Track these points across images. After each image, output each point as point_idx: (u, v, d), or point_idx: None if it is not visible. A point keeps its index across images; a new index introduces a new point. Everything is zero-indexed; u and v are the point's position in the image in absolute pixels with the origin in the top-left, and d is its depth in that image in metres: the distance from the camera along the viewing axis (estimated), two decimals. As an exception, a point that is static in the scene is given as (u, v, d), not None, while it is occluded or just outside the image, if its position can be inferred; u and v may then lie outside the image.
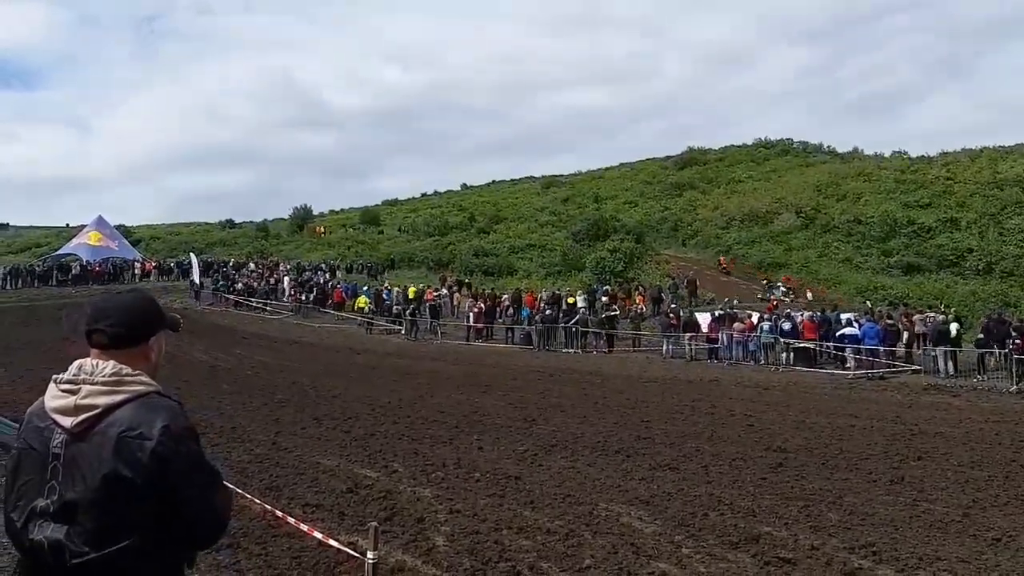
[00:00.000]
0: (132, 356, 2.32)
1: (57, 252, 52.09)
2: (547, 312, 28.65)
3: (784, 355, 23.27)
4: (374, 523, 5.75)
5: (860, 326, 22.95)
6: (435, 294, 35.26)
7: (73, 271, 46.60)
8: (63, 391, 2.25)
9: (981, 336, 21.31)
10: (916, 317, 24.31)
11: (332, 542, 5.96)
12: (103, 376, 2.24)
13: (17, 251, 69.70)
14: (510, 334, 29.39)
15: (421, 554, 6.64)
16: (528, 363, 23.18)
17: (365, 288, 38.98)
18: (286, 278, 42.14)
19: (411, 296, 34.65)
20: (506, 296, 32.42)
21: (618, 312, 29.93)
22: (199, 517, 2.27)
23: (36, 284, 44.28)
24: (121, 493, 2.14)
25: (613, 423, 13.28)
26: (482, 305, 30.82)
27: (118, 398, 2.22)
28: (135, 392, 2.24)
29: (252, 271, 46.99)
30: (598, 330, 27.36)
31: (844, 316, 25.30)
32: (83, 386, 2.23)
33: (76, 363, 2.31)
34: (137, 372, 2.29)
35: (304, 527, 6.35)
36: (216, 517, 2.33)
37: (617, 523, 7.55)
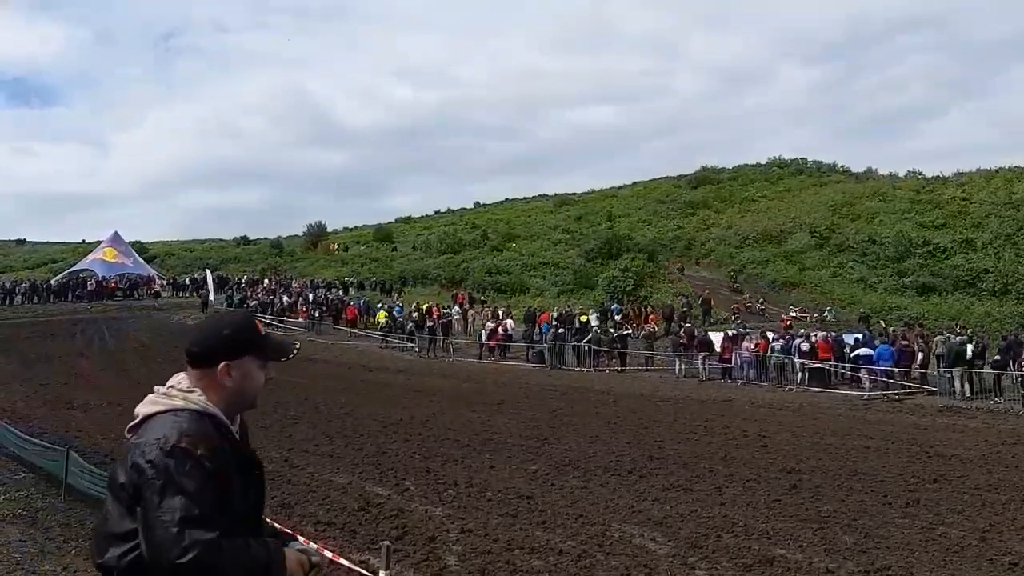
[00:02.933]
0: (205, 376, 2.34)
1: (73, 268, 52.55)
2: (559, 330, 28.62)
3: (798, 375, 23.14)
4: (386, 542, 5.75)
5: (866, 343, 22.82)
6: (443, 311, 35.29)
7: (88, 287, 46.94)
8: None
9: (998, 357, 21.12)
10: (938, 339, 24.09)
11: (344, 561, 5.96)
12: (162, 388, 2.35)
13: (33, 266, 70.18)
14: (523, 352, 29.36)
15: (433, 574, 6.63)
16: (540, 382, 23.13)
17: (379, 305, 39.12)
18: (299, 296, 42.28)
19: (421, 314, 34.70)
20: (509, 320, 32.20)
21: (630, 331, 29.86)
22: (145, 534, 2.07)
23: (52, 300, 44.57)
24: (122, 501, 2.17)
25: (625, 443, 13.23)
26: (507, 323, 30.93)
27: (155, 409, 2.28)
28: (170, 406, 2.27)
29: (265, 288, 47.20)
30: (610, 349, 27.28)
31: (851, 337, 25.13)
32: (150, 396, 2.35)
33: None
34: (191, 388, 2.31)
35: (315, 545, 6.34)
36: (163, 544, 2.03)
37: (630, 544, 7.51)
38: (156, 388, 2.37)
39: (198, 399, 2.29)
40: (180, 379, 2.37)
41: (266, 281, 49.52)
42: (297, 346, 2.56)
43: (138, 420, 2.30)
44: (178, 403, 2.27)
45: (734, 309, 37.65)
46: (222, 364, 2.32)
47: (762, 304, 40.77)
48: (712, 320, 34.57)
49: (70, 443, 10.70)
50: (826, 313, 35.35)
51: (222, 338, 2.37)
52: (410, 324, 33.04)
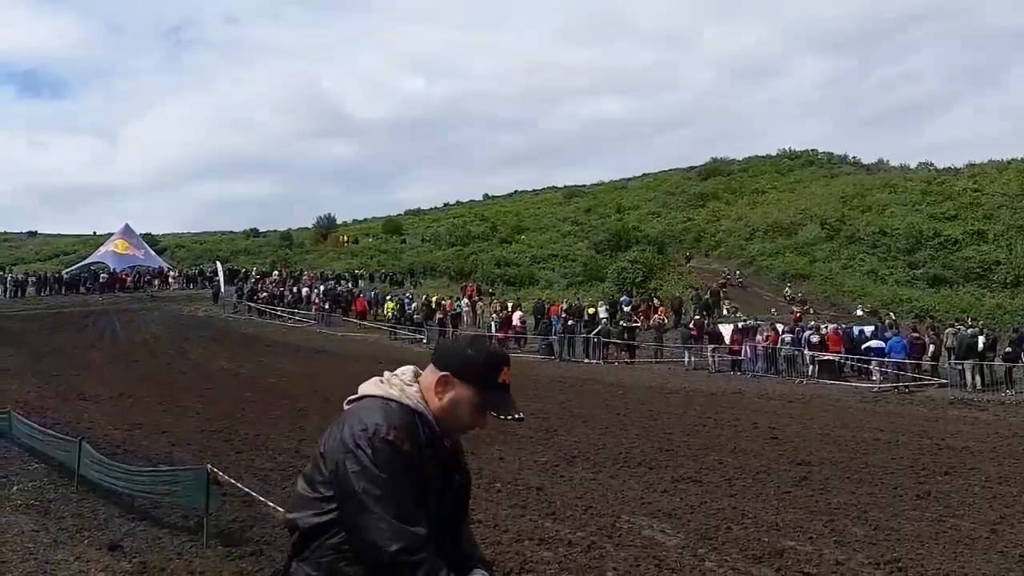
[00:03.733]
0: (432, 377, 2.33)
1: (85, 261, 52.81)
2: (568, 322, 28.62)
3: (809, 368, 23.09)
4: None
5: (882, 337, 22.72)
6: (454, 304, 35.35)
7: (100, 279, 47.18)
8: None
9: (1009, 350, 21.02)
10: (949, 331, 24.00)
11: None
12: (388, 373, 2.41)
13: (45, 258, 70.58)
14: (531, 343, 29.38)
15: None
16: (549, 373, 23.14)
17: (387, 296, 39.24)
18: (308, 288, 42.37)
19: (432, 306, 34.78)
20: (518, 313, 32.16)
21: (639, 323, 29.82)
22: (356, 521, 2.16)
23: (64, 292, 44.81)
24: (320, 471, 2.26)
25: (635, 435, 13.22)
26: (516, 316, 30.96)
27: (373, 392, 2.34)
28: (387, 394, 2.31)
29: (275, 280, 47.36)
30: (620, 341, 27.27)
31: (866, 329, 25.03)
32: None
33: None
34: (411, 383, 2.36)
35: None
36: (380, 536, 2.11)
37: (639, 536, 7.52)
38: (397, 371, 2.41)
39: (413, 395, 2.31)
40: (407, 370, 2.41)
41: (275, 273, 49.64)
42: (521, 415, 2.36)
43: (356, 396, 2.37)
44: (395, 393, 2.30)
45: (720, 285, 40.09)
46: (443, 374, 2.31)
47: (740, 277, 44.01)
48: (720, 312, 34.44)
49: (82, 434, 10.74)
50: (858, 311, 35.14)
51: (462, 354, 2.34)
52: (417, 316, 33.13)
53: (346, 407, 2.36)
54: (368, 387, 2.36)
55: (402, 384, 2.33)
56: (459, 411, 2.31)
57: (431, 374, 2.33)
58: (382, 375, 2.40)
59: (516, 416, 2.33)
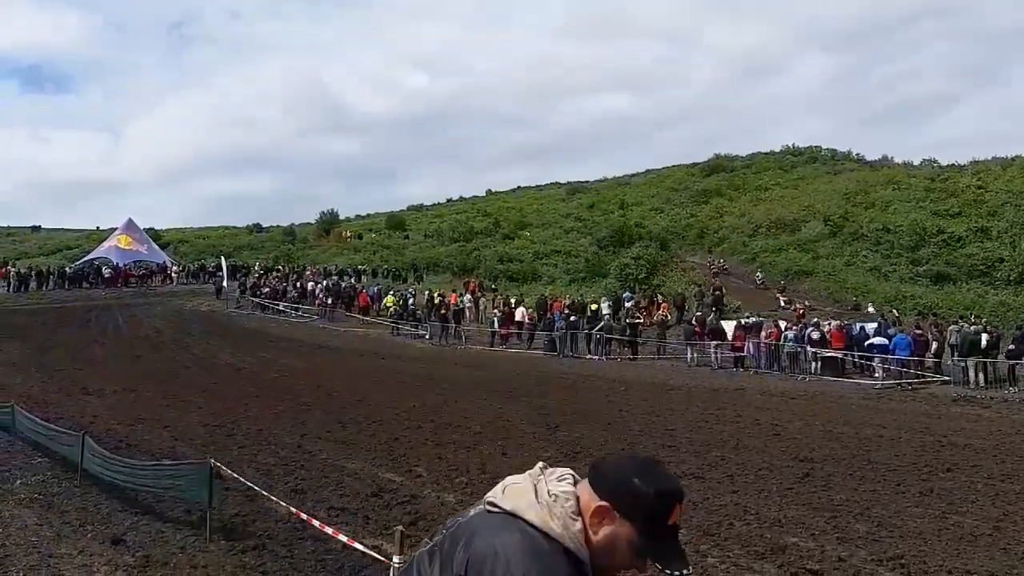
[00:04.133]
0: (592, 503, 1.86)
1: (88, 256, 52.87)
2: (570, 318, 28.61)
3: (811, 364, 23.06)
4: (400, 527, 5.77)
5: (885, 334, 22.67)
6: (457, 298, 35.37)
7: (104, 273, 47.25)
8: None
9: (1012, 347, 20.98)
10: (952, 328, 23.95)
11: (357, 545, 6.00)
12: (547, 481, 1.92)
13: (48, 253, 70.67)
14: (534, 340, 29.40)
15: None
16: (552, 370, 23.15)
17: (390, 291, 39.32)
18: (312, 283, 42.39)
19: (435, 301, 34.84)
20: (520, 309, 32.14)
21: (641, 320, 29.79)
22: None
23: (67, 286, 44.86)
24: None
25: (637, 431, 13.23)
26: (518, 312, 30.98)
27: (523, 511, 1.84)
28: (542, 523, 1.82)
29: (277, 275, 47.37)
30: (622, 337, 27.26)
31: (869, 326, 24.96)
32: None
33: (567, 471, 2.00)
34: (575, 516, 1.85)
35: (329, 530, 6.39)
36: None
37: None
38: (542, 472, 1.95)
39: (575, 534, 1.83)
40: (568, 490, 1.89)
41: (276, 270, 49.66)
42: (690, 571, 1.86)
43: (499, 504, 1.89)
44: (554, 526, 1.82)
45: (713, 272, 42.21)
46: (602, 504, 1.84)
47: (724, 264, 45.97)
48: (725, 309, 34.33)
49: (85, 428, 10.78)
50: (870, 308, 35.08)
51: (629, 483, 1.84)
52: (420, 311, 33.18)
53: (485, 510, 1.91)
54: (521, 501, 1.87)
55: (566, 516, 1.84)
56: (612, 550, 1.85)
57: (588, 498, 1.86)
58: (538, 482, 1.91)
59: (685, 573, 1.83)
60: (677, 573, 1.80)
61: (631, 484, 1.82)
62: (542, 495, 1.86)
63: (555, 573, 1.75)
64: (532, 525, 1.81)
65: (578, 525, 1.83)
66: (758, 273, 42.20)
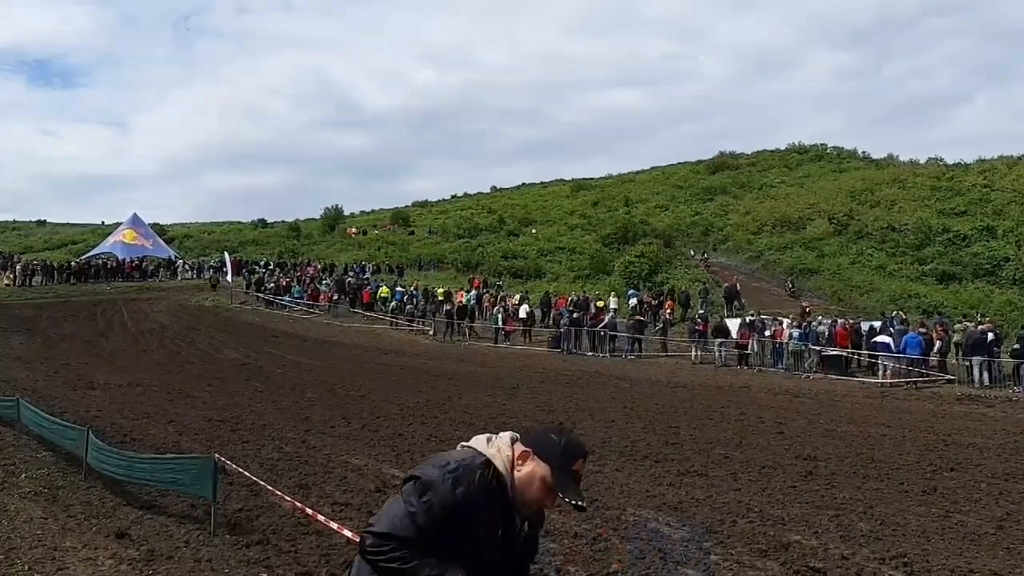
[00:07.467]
0: (516, 449, 2.58)
1: (93, 251, 52.99)
2: (575, 315, 28.60)
3: (815, 362, 23.03)
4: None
5: (891, 335, 22.61)
6: (463, 295, 35.38)
7: (109, 266, 47.41)
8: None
9: (1017, 346, 20.92)
10: (957, 327, 23.88)
11: (360, 541, 5.99)
12: (498, 435, 2.66)
13: (54, 247, 70.87)
14: (539, 337, 29.39)
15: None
16: (556, 366, 23.16)
17: (381, 283, 39.82)
18: (317, 280, 42.43)
19: (440, 297, 34.87)
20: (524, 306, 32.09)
21: (646, 317, 29.75)
22: (382, 510, 2.59)
23: (72, 281, 44.97)
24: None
25: (641, 428, 13.23)
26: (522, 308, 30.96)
27: (473, 444, 2.64)
28: (483, 451, 2.57)
29: (281, 271, 47.41)
30: (627, 334, 27.25)
31: (874, 324, 24.90)
32: None
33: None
34: (508, 449, 2.58)
35: (333, 525, 6.41)
36: (372, 524, 2.51)
37: (645, 528, 7.52)
38: (501, 434, 2.66)
39: (504, 459, 2.55)
40: (508, 437, 2.64)
41: (284, 264, 49.71)
42: (584, 504, 2.56)
43: (466, 445, 2.66)
44: (491, 451, 2.56)
45: (694, 264, 44.81)
46: (525, 449, 2.57)
47: (704, 256, 48.93)
48: (740, 306, 34.08)
49: (90, 422, 10.82)
50: (894, 313, 34.93)
51: (546, 437, 2.58)
52: (432, 307, 33.23)
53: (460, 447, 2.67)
54: (473, 440, 2.65)
55: (500, 447, 2.58)
56: (529, 487, 2.52)
57: (518, 447, 2.59)
58: (491, 437, 2.65)
59: (579, 503, 2.48)
60: (575, 501, 2.47)
61: (548, 437, 2.58)
62: (491, 440, 2.62)
63: (479, 469, 2.49)
64: (470, 448, 2.61)
65: (507, 453, 2.55)
66: (789, 282, 41.59)
